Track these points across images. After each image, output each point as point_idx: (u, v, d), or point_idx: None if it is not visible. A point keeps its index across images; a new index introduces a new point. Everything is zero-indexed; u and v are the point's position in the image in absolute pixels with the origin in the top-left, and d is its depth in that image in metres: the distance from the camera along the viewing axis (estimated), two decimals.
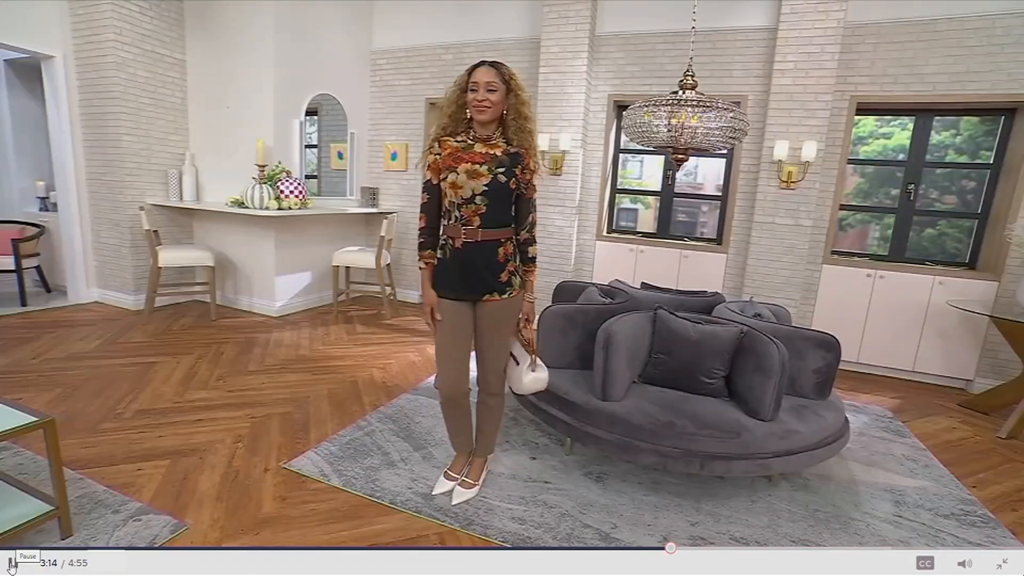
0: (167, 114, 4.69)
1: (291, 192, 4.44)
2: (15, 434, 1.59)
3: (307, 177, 5.14)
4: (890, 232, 4.29)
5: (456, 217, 1.92)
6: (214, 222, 4.84)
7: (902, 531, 2.12)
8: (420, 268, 2.02)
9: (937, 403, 3.63)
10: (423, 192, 1.99)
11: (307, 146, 5.17)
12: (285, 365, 3.53)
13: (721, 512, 2.16)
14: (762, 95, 4.11)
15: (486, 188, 1.86)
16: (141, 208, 4.24)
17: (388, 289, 5.02)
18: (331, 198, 5.42)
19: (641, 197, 5.66)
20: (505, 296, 1.96)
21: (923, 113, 3.95)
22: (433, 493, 2.15)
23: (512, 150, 1.90)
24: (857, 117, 4.09)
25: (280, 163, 4.57)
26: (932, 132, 4.01)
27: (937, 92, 3.74)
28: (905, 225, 4.13)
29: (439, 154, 1.92)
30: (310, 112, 5.04)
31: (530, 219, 1.96)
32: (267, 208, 4.26)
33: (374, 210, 5.43)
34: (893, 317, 3.97)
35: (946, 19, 3.65)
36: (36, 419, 1.64)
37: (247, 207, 4.28)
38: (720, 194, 4.66)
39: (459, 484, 2.16)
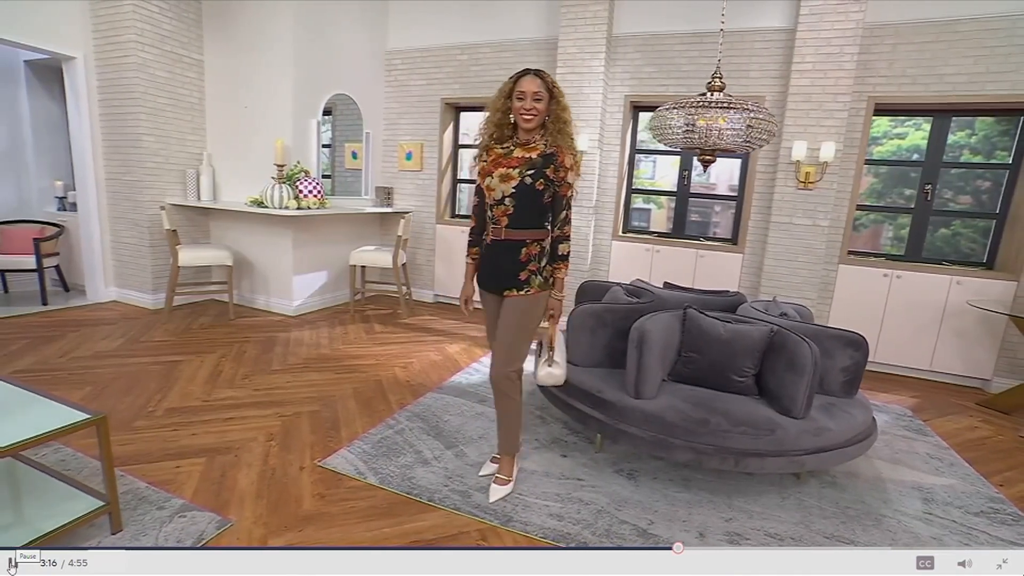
0: (185, 114, 4.72)
1: (310, 192, 4.46)
2: (71, 431, 1.61)
3: (321, 177, 5.16)
4: (903, 232, 4.31)
5: (489, 217, 2.05)
6: (231, 222, 4.87)
7: (934, 528, 2.14)
8: (467, 263, 2.20)
9: (956, 402, 3.65)
10: (475, 195, 2.13)
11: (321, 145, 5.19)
12: (308, 364, 3.55)
13: (753, 509, 2.18)
14: (780, 96, 4.13)
15: (514, 190, 1.95)
16: (162, 208, 4.27)
17: (404, 288, 5.04)
18: (345, 198, 5.45)
19: (654, 197, 5.68)
20: (522, 293, 2.02)
21: (941, 114, 3.97)
22: (480, 474, 2.27)
23: (548, 151, 1.95)
24: (872, 117, 4.10)
25: (299, 163, 4.60)
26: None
27: (956, 93, 3.76)
28: (922, 225, 4.15)
29: (486, 161, 2.03)
30: (324, 112, 5.06)
31: (562, 216, 1.98)
32: (287, 208, 4.28)
33: (389, 210, 5.45)
34: (910, 316, 3.99)
35: (966, 19, 3.67)
36: (89, 416, 1.67)
37: (267, 207, 4.30)
38: (735, 194, 4.68)
39: (493, 481, 2.19)
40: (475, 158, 2.07)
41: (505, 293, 2.04)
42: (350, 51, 5.12)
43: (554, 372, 2.11)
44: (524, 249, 1.99)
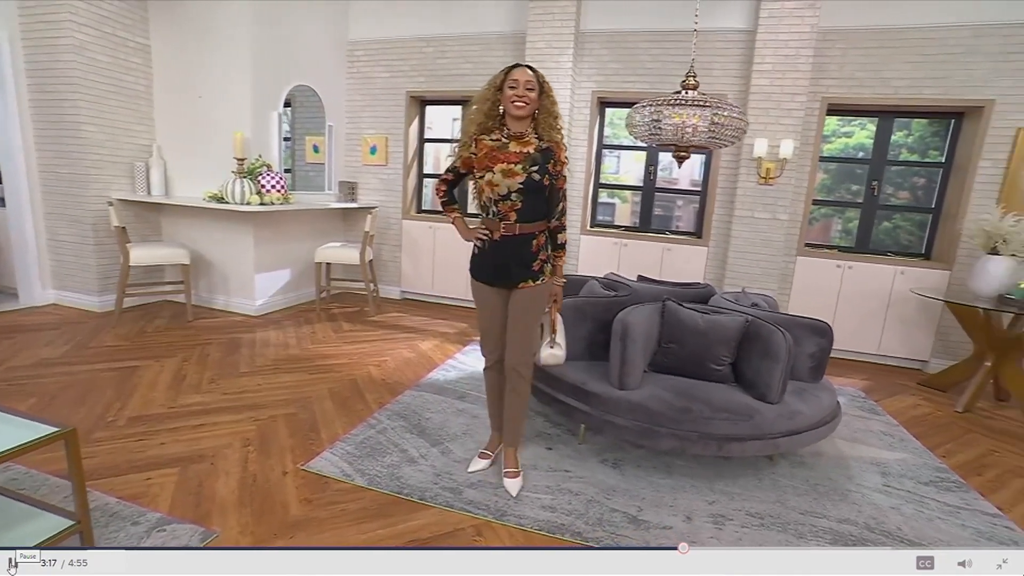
0: (131, 103, 4.40)
1: (273, 187, 4.27)
2: (36, 447, 1.48)
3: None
4: (851, 225, 4.62)
5: (493, 212, 2.05)
6: (185, 218, 4.59)
7: (892, 499, 2.32)
8: (453, 218, 2.19)
9: (900, 383, 3.95)
10: (447, 172, 2.16)
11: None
12: (277, 365, 3.42)
13: (733, 491, 2.29)
14: (741, 94, 4.31)
15: (521, 186, 1.99)
16: (110, 203, 3.97)
17: (372, 286, 4.92)
18: (306, 193, 5.25)
19: (618, 192, 5.79)
20: (538, 283, 2.08)
21: (885, 115, 4.26)
22: (469, 471, 2.27)
23: (544, 146, 2.01)
24: (825, 117, 4.35)
25: (260, 156, 4.39)
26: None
27: (898, 96, 4.04)
28: (870, 219, 4.45)
29: (475, 153, 2.04)
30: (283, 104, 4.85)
31: (560, 207, 2.07)
32: (249, 203, 4.08)
33: (354, 205, 5.30)
34: (860, 304, 4.28)
35: (908, 28, 3.94)
36: (56, 430, 1.54)
37: (227, 202, 4.08)
38: (699, 189, 4.85)
39: (507, 477, 2.21)
40: (460, 146, 2.08)
41: (520, 285, 2.06)
42: (311, 40, 4.92)
43: (556, 353, 2.17)
44: (534, 241, 2.06)
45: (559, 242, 2.08)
